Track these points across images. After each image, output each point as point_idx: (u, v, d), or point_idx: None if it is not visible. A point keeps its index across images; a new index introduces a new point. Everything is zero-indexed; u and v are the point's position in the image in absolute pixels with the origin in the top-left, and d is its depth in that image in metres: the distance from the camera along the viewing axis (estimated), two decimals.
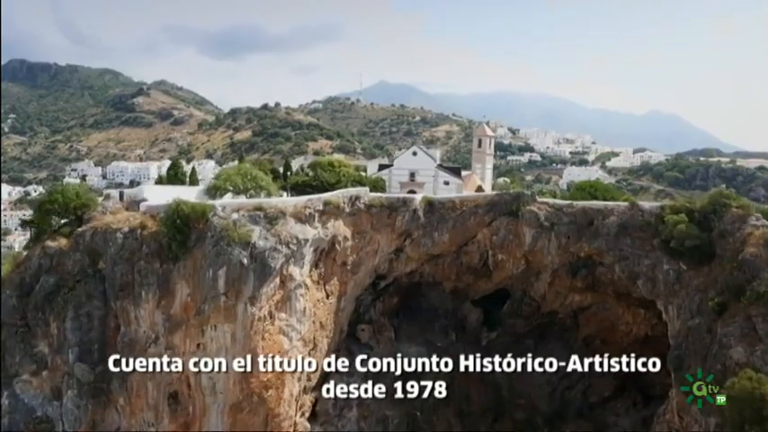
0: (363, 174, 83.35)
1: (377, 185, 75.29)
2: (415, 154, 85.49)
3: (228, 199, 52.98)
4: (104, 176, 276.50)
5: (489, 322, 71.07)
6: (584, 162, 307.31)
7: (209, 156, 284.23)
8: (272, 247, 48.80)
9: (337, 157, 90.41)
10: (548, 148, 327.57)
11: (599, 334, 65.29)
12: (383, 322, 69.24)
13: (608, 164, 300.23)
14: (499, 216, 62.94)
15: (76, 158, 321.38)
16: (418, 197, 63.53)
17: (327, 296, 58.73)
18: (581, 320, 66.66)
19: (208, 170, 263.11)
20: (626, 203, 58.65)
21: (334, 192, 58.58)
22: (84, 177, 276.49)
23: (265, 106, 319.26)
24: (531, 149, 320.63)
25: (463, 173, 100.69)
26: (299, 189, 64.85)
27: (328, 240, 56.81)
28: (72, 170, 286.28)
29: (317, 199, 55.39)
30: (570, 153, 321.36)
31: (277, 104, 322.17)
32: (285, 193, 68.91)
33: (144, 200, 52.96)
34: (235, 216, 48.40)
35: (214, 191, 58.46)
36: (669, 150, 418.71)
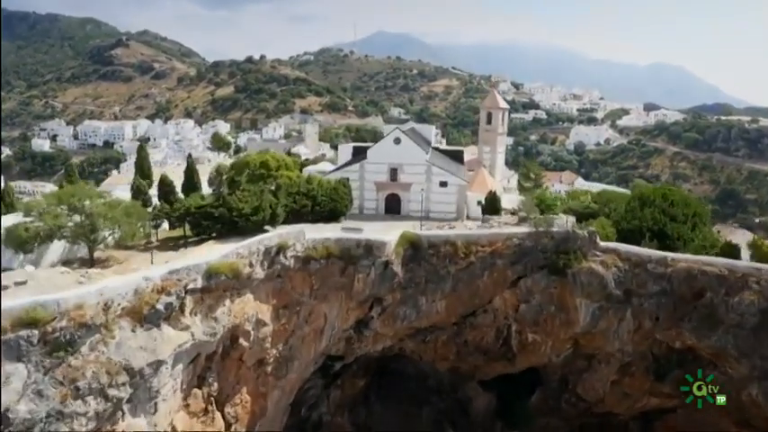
0: (320, 174, 54.98)
1: (336, 195, 47.18)
2: (398, 141, 56.41)
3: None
4: (76, 137, 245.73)
5: (507, 414, 44.38)
6: (592, 120, 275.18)
7: (188, 114, 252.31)
8: (55, 410, 21.31)
9: (294, 155, 59.13)
10: (554, 104, 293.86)
11: None
12: (341, 423, 42.46)
13: (619, 123, 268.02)
14: (532, 272, 35.29)
15: (51, 116, 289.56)
16: (392, 239, 35.49)
17: (228, 426, 31.74)
18: (657, 430, 39.83)
19: (186, 131, 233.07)
20: None
21: (232, 247, 30.44)
22: (54, 138, 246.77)
23: (250, 59, 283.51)
24: (536, 106, 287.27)
25: (466, 157, 72.20)
26: (194, 222, 36.69)
27: (220, 339, 29.41)
28: (41, 130, 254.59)
29: (186, 269, 27.45)
30: (578, 110, 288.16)
31: (262, 57, 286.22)
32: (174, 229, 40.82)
33: None
34: None
35: (20, 242, 30.59)
36: (674, 103, 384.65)
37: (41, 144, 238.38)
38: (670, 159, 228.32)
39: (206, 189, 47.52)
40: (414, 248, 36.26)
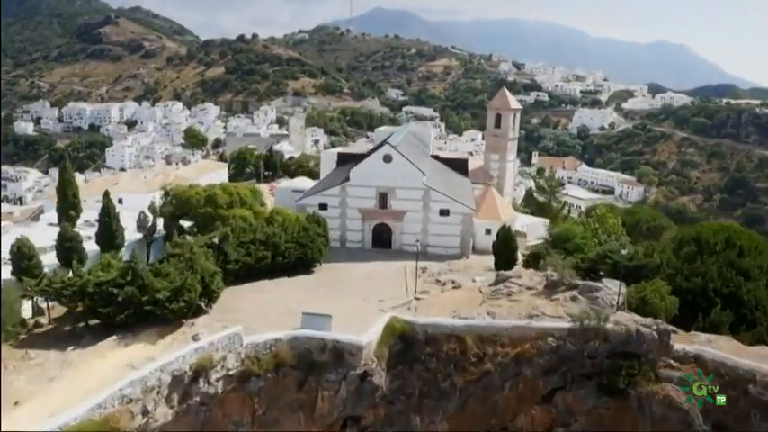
0: (295, 193, 43.26)
1: (306, 239, 35.66)
2: (388, 159, 44.53)
3: None
4: (61, 119, 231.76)
5: None
6: (596, 103, 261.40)
7: (176, 96, 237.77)
8: None
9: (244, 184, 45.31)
10: (556, 86, 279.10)
11: None
12: None
13: (624, 105, 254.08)
14: (573, 383, 24.00)
15: (37, 96, 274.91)
16: (372, 339, 24.05)
17: None
18: None
19: (174, 115, 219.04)
20: None
21: (116, 386, 18.87)
22: (38, 120, 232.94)
23: (242, 38, 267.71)
24: (538, 88, 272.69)
25: (471, 164, 60.33)
26: (92, 306, 25.12)
27: None
28: (25, 112, 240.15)
29: None
30: (581, 92, 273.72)
31: (255, 36, 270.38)
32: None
33: None
34: None
35: None
36: (676, 82, 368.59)
37: (25, 127, 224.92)
38: (677, 145, 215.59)
39: (135, 234, 35.77)
40: (405, 343, 24.96)
